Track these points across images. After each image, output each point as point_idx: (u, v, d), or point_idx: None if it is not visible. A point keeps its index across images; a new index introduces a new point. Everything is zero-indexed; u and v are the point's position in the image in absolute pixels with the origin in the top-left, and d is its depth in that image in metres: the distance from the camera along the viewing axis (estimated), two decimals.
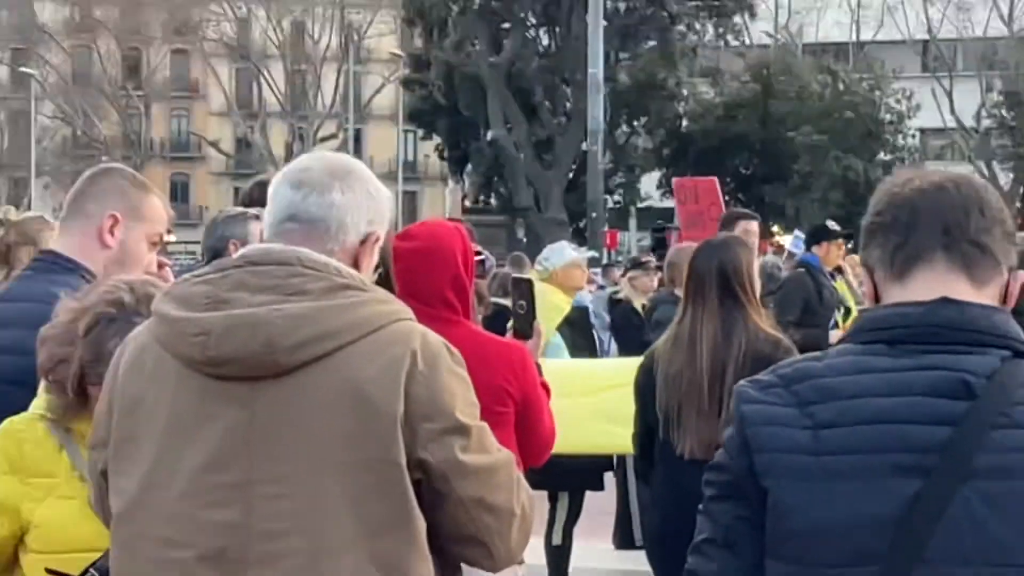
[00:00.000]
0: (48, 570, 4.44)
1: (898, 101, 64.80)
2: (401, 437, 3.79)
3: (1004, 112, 66.95)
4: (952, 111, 67.89)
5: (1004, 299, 3.29)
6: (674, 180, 21.91)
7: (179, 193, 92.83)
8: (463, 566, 4.11)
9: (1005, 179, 65.77)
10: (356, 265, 4.03)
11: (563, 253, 12.89)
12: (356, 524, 3.80)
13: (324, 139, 76.83)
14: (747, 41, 63.68)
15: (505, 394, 6.40)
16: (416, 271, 6.42)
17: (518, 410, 6.47)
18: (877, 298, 3.34)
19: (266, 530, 3.80)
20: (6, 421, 4.62)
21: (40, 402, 4.64)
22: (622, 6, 54.65)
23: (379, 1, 76.10)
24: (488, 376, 6.02)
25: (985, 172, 63.44)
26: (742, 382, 3.34)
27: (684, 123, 62.22)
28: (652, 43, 58.34)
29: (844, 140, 59.40)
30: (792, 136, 59.79)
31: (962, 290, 3.24)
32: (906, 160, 62.71)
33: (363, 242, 4.06)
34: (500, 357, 6.46)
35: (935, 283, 3.24)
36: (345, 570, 3.80)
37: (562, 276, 12.43)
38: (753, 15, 61.31)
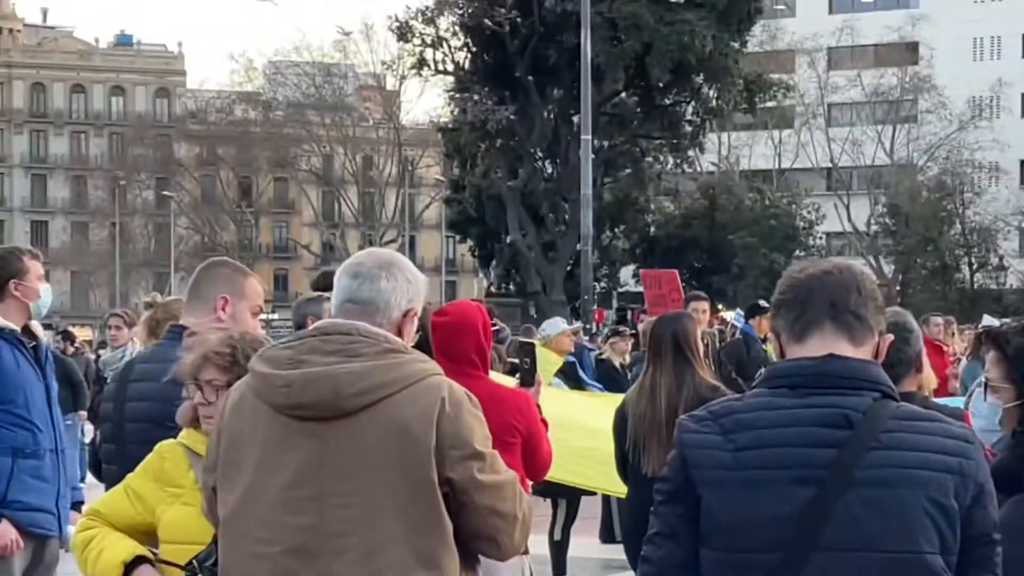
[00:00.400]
0: (158, 559, 4.51)
1: (809, 212, 65.00)
2: (434, 461, 3.86)
3: (887, 220, 67.01)
4: (849, 219, 68.01)
5: (876, 355, 3.34)
6: (641, 272, 21.93)
7: (280, 283, 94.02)
8: (481, 559, 4.13)
9: (888, 269, 65.87)
10: (399, 334, 4.08)
11: (556, 325, 13.90)
12: (401, 526, 3.86)
13: (387, 243, 76.81)
14: (698, 168, 63.95)
15: (514, 429, 6.61)
16: (449, 339, 6.64)
17: (523, 440, 6.67)
18: (783, 354, 3.38)
19: (334, 531, 3.86)
20: (158, 444, 4.72)
21: (184, 434, 4.71)
22: (606, 143, 54.74)
23: (427, 140, 76.15)
24: (501, 416, 6.33)
25: (874, 264, 63.48)
26: (682, 416, 3.40)
27: (652, 230, 62.45)
28: (628, 171, 58.25)
29: (770, 241, 59.69)
30: (732, 239, 60.14)
31: (844, 348, 3.29)
32: (816, 256, 62.76)
33: (404, 316, 4.11)
34: (510, 401, 6.71)
35: (824, 344, 3.30)
36: (393, 561, 3.85)
37: (555, 342, 13.36)
38: (702, 150, 61.28)
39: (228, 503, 3.98)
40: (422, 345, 4.85)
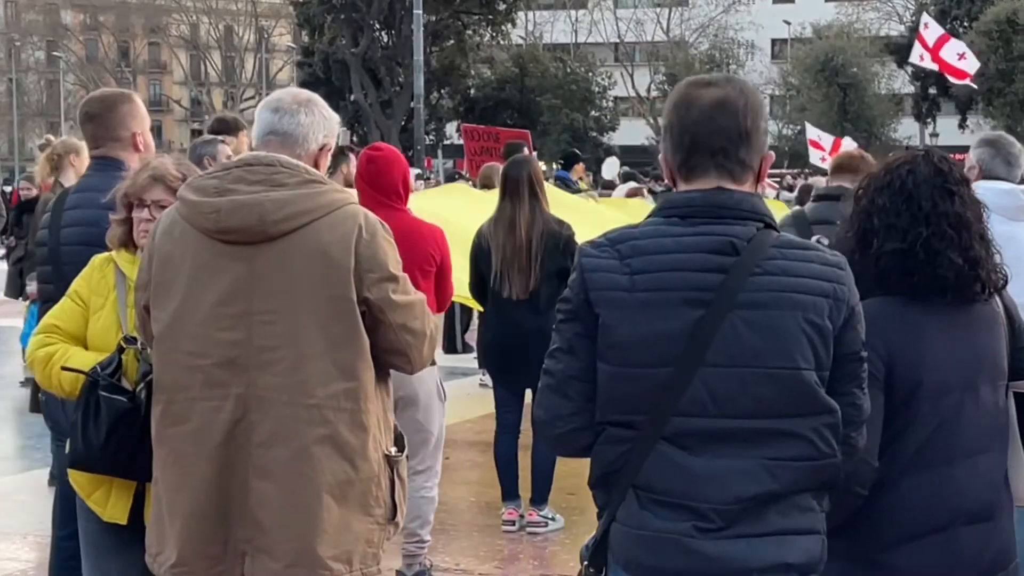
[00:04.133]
0: (64, 367, 4.03)
1: (602, 79, 64.99)
2: (353, 282, 3.54)
3: (666, 87, 67.15)
4: (633, 87, 68.16)
5: (760, 175, 3.03)
6: (462, 126, 21.49)
7: (155, 132, 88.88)
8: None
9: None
10: (316, 166, 3.73)
11: None
12: (323, 340, 3.54)
13: (246, 99, 75.72)
14: (510, 41, 63.67)
15: (431, 258, 6.46)
16: (380, 173, 6.45)
17: (437, 270, 6.51)
18: (674, 181, 3.05)
19: (262, 345, 3.53)
20: (93, 257, 4.28)
21: (114, 253, 4.23)
22: (434, 18, 54.73)
23: (280, 12, 75.28)
24: (421, 246, 6.36)
25: (653, 123, 63.81)
26: (583, 243, 3.06)
27: (472, 92, 62.17)
28: (452, 42, 58.57)
29: (570, 103, 60.01)
30: (539, 100, 60.13)
31: (729, 184, 2.97)
32: (607, 116, 63.02)
33: (320, 149, 3.77)
34: (428, 234, 6.52)
35: (709, 183, 2.97)
36: (316, 372, 3.54)
37: None
38: (514, 25, 61.46)
39: (161, 320, 3.63)
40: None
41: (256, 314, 3.51)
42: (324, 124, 3.75)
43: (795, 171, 40.46)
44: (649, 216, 3.05)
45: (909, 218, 3.35)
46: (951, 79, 23.00)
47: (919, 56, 23.31)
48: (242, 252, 3.52)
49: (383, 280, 3.57)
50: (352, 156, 7.73)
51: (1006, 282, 3.43)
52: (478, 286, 7.60)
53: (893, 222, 3.36)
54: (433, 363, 6.52)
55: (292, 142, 3.67)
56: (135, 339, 3.97)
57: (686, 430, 2.87)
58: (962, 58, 22.89)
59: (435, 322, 3.84)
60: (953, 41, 23.41)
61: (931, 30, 23.18)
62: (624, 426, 2.92)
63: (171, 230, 3.62)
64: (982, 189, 4.07)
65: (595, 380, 2.94)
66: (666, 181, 3.38)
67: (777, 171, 37.16)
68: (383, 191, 6.41)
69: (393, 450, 3.75)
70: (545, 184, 7.73)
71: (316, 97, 3.82)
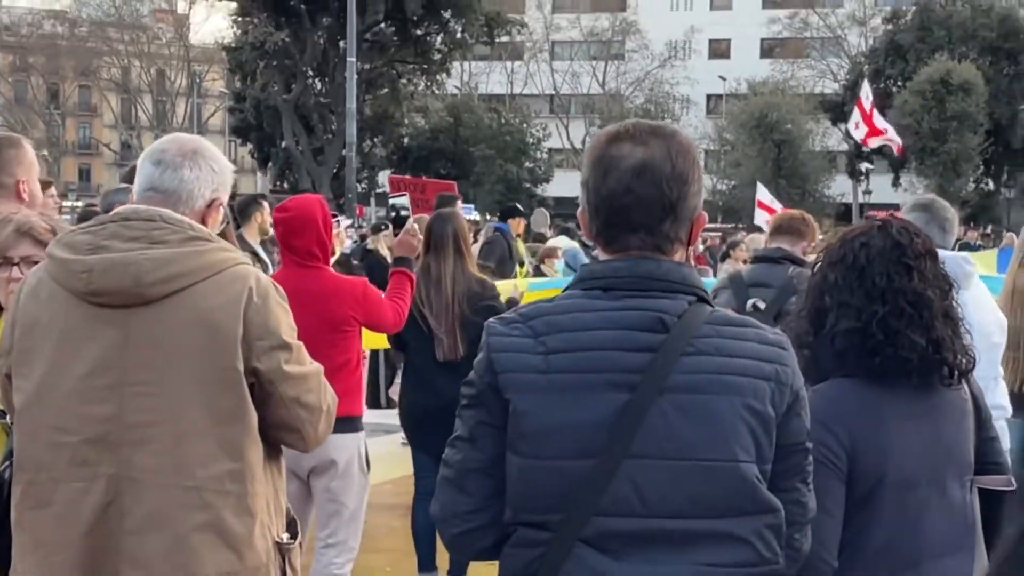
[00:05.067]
0: None
1: (537, 131, 65.00)
2: (240, 351, 3.15)
3: None
4: (568, 138, 68.37)
5: (691, 239, 2.67)
6: (389, 177, 21.15)
7: (84, 176, 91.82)
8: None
9: None
10: (203, 223, 3.33)
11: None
12: (206, 416, 3.14)
13: None
14: (445, 91, 63.65)
15: (352, 319, 6.11)
16: (291, 233, 6.06)
17: (362, 323, 6.19)
18: (593, 238, 2.70)
19: (136, 421, 3.13)
20: None
21: None
22: (367, 66, 54.55)
23: (213, 58, 74.95)
24: (341, 308, 6.03)
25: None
26: (491, 319, 2.68)
27: (405, 140, 62.10)
28: (386, 90, 58.46)
29: (504, 153, 59.96)
30: (473, 151, 59.93)
31: (656, 254, 2.63)
32: (542, 167, 63.03)
33: (209, 206, 3.36)
34: (347, 292, 6.13)
35: (633, 253, 2.63)
36: (198, 451, 3.14)
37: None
38: (449, 75, 61.32)
39: (24, 391, 3.23)
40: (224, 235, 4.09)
41: (130, 386, 3.13)
42: (212, 178, 3.37)
43: (730, 226, 40.49)
44: (567, 288, 2.72)
45: (863, 295, 3.09)
46: (878, 141, 23.14)
47: (855, 124, 23.50)
48: (116, 316, 3.14)
49: (275, 349, 3.21)
50: (266, 204, 7.39)
51: (974, 365, 3.15)
52: (398, 340, 7.23)
53: (846, 299, 3.10)
54: (359, 429, 6.21)
55: (175, 200, 3.30)
56: (3, 412, 3.57)
57: (609, 532, 2.52)
58: (886, 133, 23.24)
59: (333, 396, 3.48)
60: (883, 120, 23.83)
61: (869, 101, 23.46)
62: (538, 527, 2.56)
63: (38, 291, 3.24)
64: None
65: (501, 474, 2.59)
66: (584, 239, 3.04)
67: (713, 227, 37.14)
68: (297, 252, 6.07)
69: (285, 536, 3.39)
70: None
71: (205, 147, 3.44)
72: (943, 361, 3.11)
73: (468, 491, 2.62)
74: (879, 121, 23.66)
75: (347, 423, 5.74)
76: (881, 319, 3.08)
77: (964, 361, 3.15)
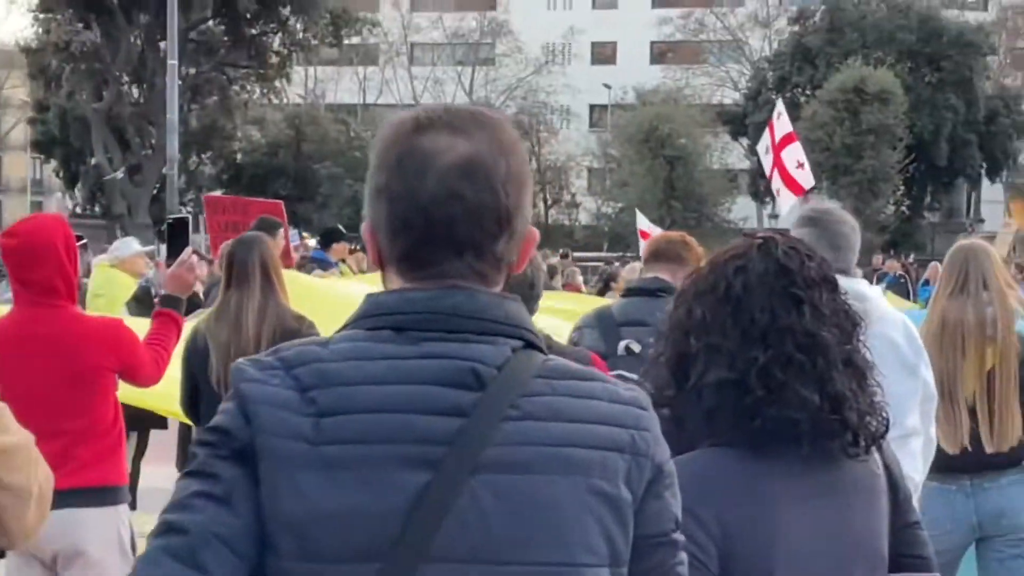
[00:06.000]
0: None
1: None
2: None
3: None
4: None
5: (520, 263, 2.31)
6: (204, 197, 20.65)
7: None
8: None
9: None
10: None
11: (129, 246, 12.57)
12: None
13: None
14: (285, 100, 63.92)
15: (104, 369, 5.87)
16: (21, 265, 5.69)
17: (118, 371, 5.95)
18: (382, 263, 2.30)
19: None
20: None
21: None
22: (192, 70, 54.69)
23: (12, 61, 74.24)
24: (90, 355, 5.79)
25: None
26: (241, 360, 2.26)
27: (239, 157, 62.55)
28: (215, 98, 58.28)
29: (355, 172, 59.89)
30: (317, 168, 60.16)
31: (472, 281, 2.25)
32: None
33: None
34: (97, 336, 5.87)
35: (444, 281, 2.25)
36: None
37: (129, 263, 11.80)
38: (289, 81, 61.73)
39: None
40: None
41: None
42: None
43: (616, 255, 40.74)
44: (342, 328, 2.29)
45: (738, 336, 2.84)
46: (782, 190, 23.27)
47: (765, 148, 23.65)
48: None
49: None
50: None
51: (886, 429, 2.86)
52: (191, 398, 6.83)
53: (717, 342, 2.84)
54: (119, 501, 5.93)
55: None
56: None
57: None
58: (800, 167, 23.30)
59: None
60: (796, 145, 23.81)
61: (782, 121, 23.55)
62: None
63: None
64: None
65: (251, 559, 2.14)
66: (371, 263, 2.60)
67: (596, 256, 37.30)
68: (32, 287, 5.71)
69: None
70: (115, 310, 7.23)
71: None
72: (844, 423, 2.86)
73: (203, 567, 2.14)
74: (789, 159, 23.62)
75: (100, 495, 5.68)
76: (762, 368, 2.82)
77: (874, 423, 2.91)
